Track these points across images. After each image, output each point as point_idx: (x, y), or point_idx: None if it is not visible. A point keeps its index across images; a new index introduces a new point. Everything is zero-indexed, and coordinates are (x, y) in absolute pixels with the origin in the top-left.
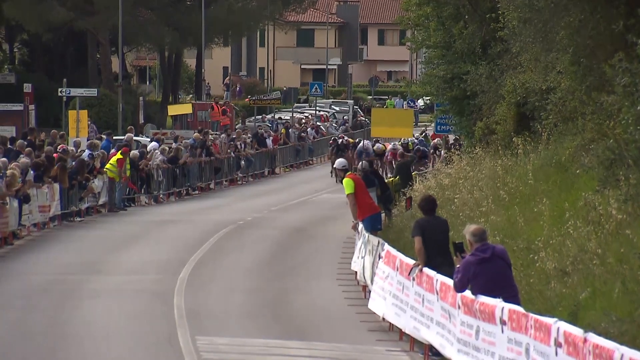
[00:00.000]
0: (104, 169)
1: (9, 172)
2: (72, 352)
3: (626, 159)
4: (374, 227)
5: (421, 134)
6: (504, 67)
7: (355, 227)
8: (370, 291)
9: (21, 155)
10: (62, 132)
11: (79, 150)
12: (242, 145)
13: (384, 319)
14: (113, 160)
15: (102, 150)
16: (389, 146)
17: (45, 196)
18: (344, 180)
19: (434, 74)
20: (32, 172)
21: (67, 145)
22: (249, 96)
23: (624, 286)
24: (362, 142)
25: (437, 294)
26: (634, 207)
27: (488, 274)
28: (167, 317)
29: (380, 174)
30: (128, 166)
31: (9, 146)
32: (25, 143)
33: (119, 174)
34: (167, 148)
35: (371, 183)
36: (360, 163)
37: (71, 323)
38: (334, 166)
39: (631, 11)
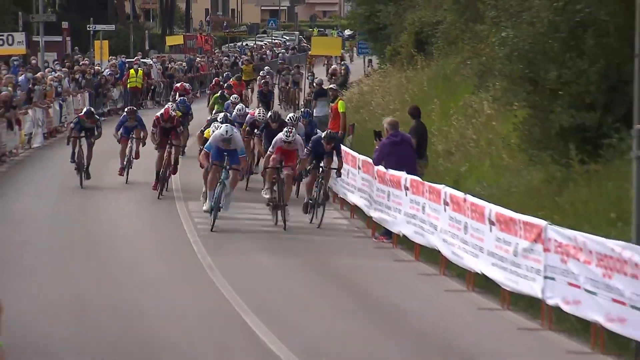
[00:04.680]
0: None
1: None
2: (101, 236)
3: (493, 71)
4: None
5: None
6: (406, 6)
7: None
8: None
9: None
10: (76, 55)
11: (103, 69)
12: (219, 65)
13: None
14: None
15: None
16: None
17: (78, 102)
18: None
19: (357, 13)
20: (67, 83)
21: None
22: (223, 29)
23: (491, 162)
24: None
25: (359, 169)
26: (499, 106)
27: (397, 153)
28: (168, 197)
29: None
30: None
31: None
32: (67, 63)
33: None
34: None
35: (324, 94)
36: (316, 79)
37: (95, 210)
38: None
39: None
